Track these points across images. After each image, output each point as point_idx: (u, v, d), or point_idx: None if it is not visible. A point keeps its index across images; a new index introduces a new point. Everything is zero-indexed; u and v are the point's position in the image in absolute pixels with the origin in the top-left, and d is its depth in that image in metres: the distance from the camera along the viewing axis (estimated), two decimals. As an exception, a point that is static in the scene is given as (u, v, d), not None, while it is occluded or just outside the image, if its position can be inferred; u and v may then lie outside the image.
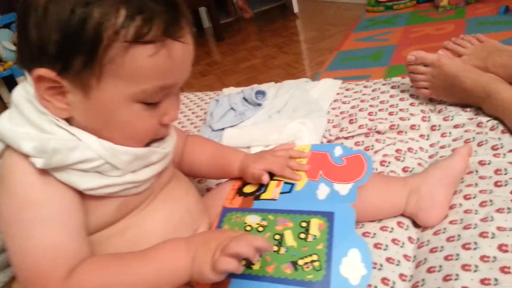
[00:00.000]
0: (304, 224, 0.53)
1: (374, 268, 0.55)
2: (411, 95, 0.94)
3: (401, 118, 0.86)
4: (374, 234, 0.61)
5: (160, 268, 0.44)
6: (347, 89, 1.06)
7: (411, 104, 0.91)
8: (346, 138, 0.86)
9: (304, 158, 0.65)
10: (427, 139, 0.82)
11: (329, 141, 0.88)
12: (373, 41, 2.06)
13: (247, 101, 1.06)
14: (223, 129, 0.98)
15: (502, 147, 0.69)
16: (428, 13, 2.21)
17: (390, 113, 0.89)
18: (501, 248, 0.51)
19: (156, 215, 0.54)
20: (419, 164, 0.74)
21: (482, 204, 0.59)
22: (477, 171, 0.66)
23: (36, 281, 0.42)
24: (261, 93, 1.07)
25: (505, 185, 0.61)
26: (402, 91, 0.97)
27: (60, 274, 0.41)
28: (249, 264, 0.49)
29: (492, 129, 0.75)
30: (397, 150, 0.77)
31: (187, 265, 0.44)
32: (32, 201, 0.44)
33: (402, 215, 0.64)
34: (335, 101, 1.02)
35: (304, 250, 0.49)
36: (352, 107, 0.97)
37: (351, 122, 0.90)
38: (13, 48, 2.27)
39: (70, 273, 0.42)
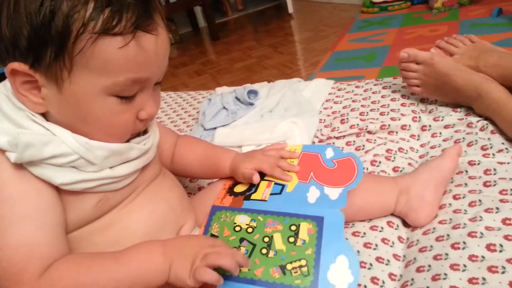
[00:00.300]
0: (293, 228, 0.52)
1: (364, 267, 0.55)
2: (402, 96, 0.94)
3: (392, 118, 0.86)
4: (364, 233, 0.61)
5: (135, 271, 0.44)
6: (339, 89, 1.06)
7: (402, 105, 0.91)
8: (337, 138, 0.86)
9: (295, 159, 0.65)
10: (417, 139, 0.82)
11: (320, 141, 0.88)
12: (367, 42, 2.07)
13: (239, 101, 1.06)
14: (215, 128, 0.97)
15: (491, 147, 0.69)
16: (422, 14, 2.22)
17: (381, 113, 0.90)
18: (489, 247, 0.51)
19: (139, 212, 0.54)
20: (409, 164, 0.75)
21: (471, 204, 0.59)
22: (466, 171, 0.67)
23: (9, 277, 0.42)
24: (253, 92, 1.07)
25: (494, 185, 0.62)
26: (394, 92, 0.97)
27: (33, 271, 0.42)
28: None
29: (482, 129, 0.75)
30: (387, 150, 0.77)
31: (163, 269, 0.44)
32: (5, 198, 0.44)
33: (392, 214, 0.64)
34: (327, 101, 1.02)
35: (293, 255, 0.49)
36: (344, 107, 0.97)
37: (342, 122, 0.90)
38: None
39: (44, 271, 0.42)
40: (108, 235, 0.51)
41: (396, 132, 0.83)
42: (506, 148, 0.68)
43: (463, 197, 0.61)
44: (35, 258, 0.42)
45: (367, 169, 0.74)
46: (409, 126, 0.83)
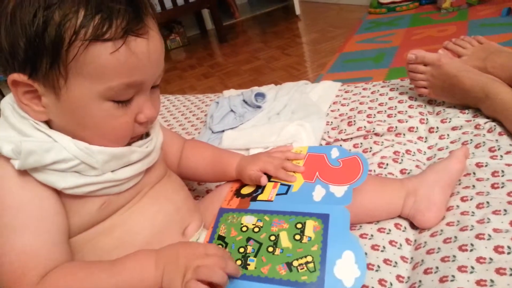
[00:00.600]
0: (299, 226, 0.53)
1: (372, 269, 0.55)
2: (410, 97, 0.94)
3: (399, 120, 0.86)
4: (372, 235, 0.61)
5: (127, 281, 0.45)
6: (346, 91, 1.06)
7: (410, 106, 0.91)
8: (344, 140, 0.87)
9: (300, 160, 0.65)
10: (425, 141, 0.82)
11: (327, 143, 0.88)
12: (375, 43, 2.06)
13: (247, 103, 1.06)
14: (223, 131, 0.98)
15: (499, 149, 0.69)
16: (430, 15, 2.21)
17: (389, 115, 0.89)
18: (497, 249, 0.51)
19: (144, 214, 0.55)
20: (417, 166, 0.74)
21: (479, 206, 0.59)
22: (474, 173, 0.66)
23: (10, 283, 0.43)
24: (260, 95, 1.08)
25: (502, 187, 0.61)
26: (401, 93, 0.97)
27: (31, 279, 0.43)
28: (245, 264, 0.50)
29: (489, 131, 0.75)
30: (395, 152, 0.77)
31: (154, 281, 0.45)
32: (9, 206, 0.45)
33: (400, 216, 0.64)
34: (334, 103, 1.03)
35: (299, 252, 0.50)
36: (351, 109, 0.97)
37: (349, 124, 0.90)
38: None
39: (41, 278, 0.43)
40: (113, 237, 0.52)
41: (404, 134, 0.83)
42: (514, 150, 0.68)
43: (471, 199, 0.61)
44: (33, 266, 0.43)
45: (374, 171, 0.74)
46: (417, 128, 0.83)
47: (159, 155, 0.59)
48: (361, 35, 2.24)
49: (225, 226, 0.57)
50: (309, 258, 0.48)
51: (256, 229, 0.55)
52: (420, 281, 0.52)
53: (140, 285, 0.45)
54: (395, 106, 0.92)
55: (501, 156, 0.67)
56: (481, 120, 0.77)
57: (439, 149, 0.77)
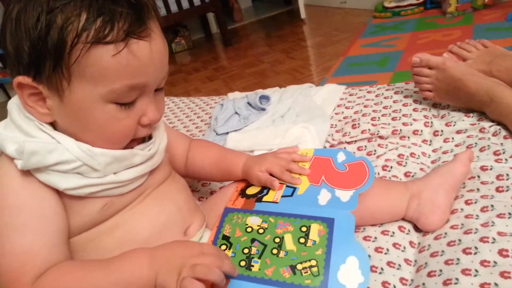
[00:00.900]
0: (304, 229, 0.53)
1: (375, 272, 0.55)
2: (414, 101, 0.94)
3: (403, 123, 0.86)
4: (375, 238, 0.61)
5: (121, 280, 0.45)
6: (350, 94, 1.06)
7: (414, 110, 0.91)
8: (348, 143, 0.87)
9: (306, 162, 0.66)
10: (429, 145, 0.82)
11: (331, 146, 0.88)
12: (379, 47, 2.06)
13: (251, 106, 1.07)
14: (227, 133, 0.99)
15: (504, 153, 0.69)
16: (435, 19, 2.21)
17: (393, 118, 0.90)
18: (502, 253, 0.51)
19: (146, 214, 0.55)
20: (421, 169, 0.74)
21: (483, 209, 0.59)
22: (479, 176, 0.66)
23: (8, 282, 0.44)
24: (265, 98, 1.08)
25: (507, 190, 0.61)
26: (405, 97, 0.97)
27: (28, 278, 0.43)
28: (249, 266, 0.50)
29: (494, 134, 0.74)
30: (399, 155, 0.77)
31: (148, 280, 0.45)
32: (10, 205, 0.46)
33: (404, 219, 0.64)
34: (338, 106, 1.03)
35: (303, 255, 0.50)
36: (355, 112, 0.97)
37: (354, 127, 0.90)
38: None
39: (37, 278, 0.44)
40: (115, 237, 0.52)
41: (408, 137, 0.83)
42: (519, 154, 0.68)
43: (475, 202, 0.61)
44: (31, 266, 0.44)
45: (379, 174, 0.74)
46: (421, 131, 0.83)
47: (163, 157, 0.60)
48: (365, 39, 2.24)
49: (230, 226, 0.57)
50: (313, 262, 0.48)
51: (261, 231, 0.55)
52: (423, 283, 0.52)
53: (137, 282, 0.45)
54: (400, 109, 0.92)
55: (506, 159, 0.67)
56: (486, 124, 0.77)
57: (444, 152, 0.77)
